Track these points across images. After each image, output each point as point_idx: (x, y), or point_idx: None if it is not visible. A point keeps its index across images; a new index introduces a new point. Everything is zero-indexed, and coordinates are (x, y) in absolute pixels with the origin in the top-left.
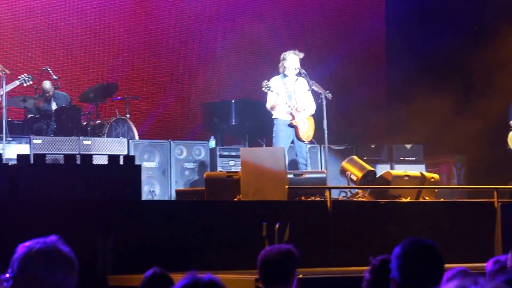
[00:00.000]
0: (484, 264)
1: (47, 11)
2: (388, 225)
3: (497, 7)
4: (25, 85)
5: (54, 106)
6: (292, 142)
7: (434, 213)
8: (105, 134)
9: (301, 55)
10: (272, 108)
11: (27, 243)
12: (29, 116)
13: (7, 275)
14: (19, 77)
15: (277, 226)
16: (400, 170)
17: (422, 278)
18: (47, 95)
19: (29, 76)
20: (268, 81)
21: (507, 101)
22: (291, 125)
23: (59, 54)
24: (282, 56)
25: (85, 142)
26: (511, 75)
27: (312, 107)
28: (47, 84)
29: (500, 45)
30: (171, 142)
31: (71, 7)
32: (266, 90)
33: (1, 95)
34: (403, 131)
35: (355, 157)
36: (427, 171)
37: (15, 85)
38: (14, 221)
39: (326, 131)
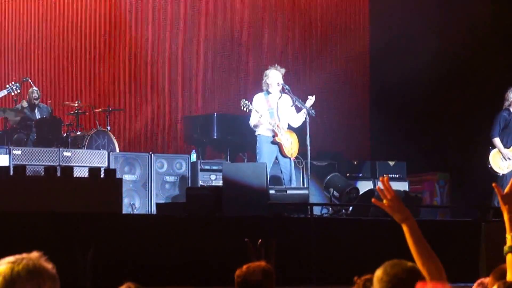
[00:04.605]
0: (469, 285)
1: (28, 22)
2: (371, 243)
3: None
4: (12, 94)
5: (37, 115)
6: (276, 158)
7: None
8: (85, 146)
9: (283, 70)
10: (255, 126)
11: (9, 259)
12: (8, 116)
13: None
14: (7, 85)
15: (259, 242)
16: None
17: None
18: (35, 101)
19: (17, 84)
20: (246, 100)
21: (491, 118)
22: (274, 142)
23: (39, 65)
24: (264, 73)
25: (65, 154)
26: (493, 92)
27: (298, 120)
28: (35, 92)
29: (483, 63)
30: (152, 155)
31: (52, 18)
32: (245, 109)
33: None
34: (386, 147)
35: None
36: (410, 188)
37: (3, 94)
38: None
39: (309, 147)
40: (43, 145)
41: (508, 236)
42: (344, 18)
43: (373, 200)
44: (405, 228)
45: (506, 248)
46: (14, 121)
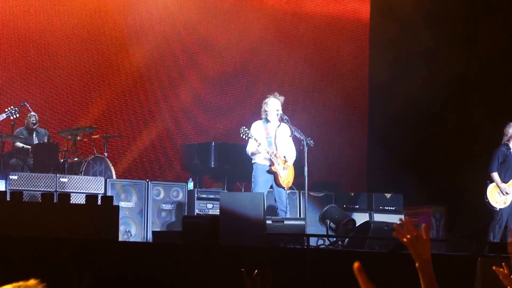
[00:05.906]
0: None
1: (26, 48)
2: (367, 276)
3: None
4: (11, 118)
5: (35, 140)
6: (271, 187)
7: (412, 266)
8: (82, 172)
9: (282, 98)
10: (253, 154)
11: (6, 287)
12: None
13: None
14: (6, 110)
15: (255, 272)
16: (379, 219)
17: None
18: (33, 126)
19: (16, 108)
20: (246, 128)
21: (489, 152)
22: (270, 172)
23: (36, 90)
24: (263, 101)
25: (61, 180)
26: (492, 126)
27: (292, 154)
28: (33, 117)
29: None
30: (149, 182)
31: (49, 45)
32: (244, 137)
33: None
34: (383, 180)
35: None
36: None
37: (2, 118)
38: None
39: (306, 178)
40: (40, 171)
41: None
42: (343, 51)
43: (394, 234)
44: (419, 272)
45: None
46: (16, 146)
